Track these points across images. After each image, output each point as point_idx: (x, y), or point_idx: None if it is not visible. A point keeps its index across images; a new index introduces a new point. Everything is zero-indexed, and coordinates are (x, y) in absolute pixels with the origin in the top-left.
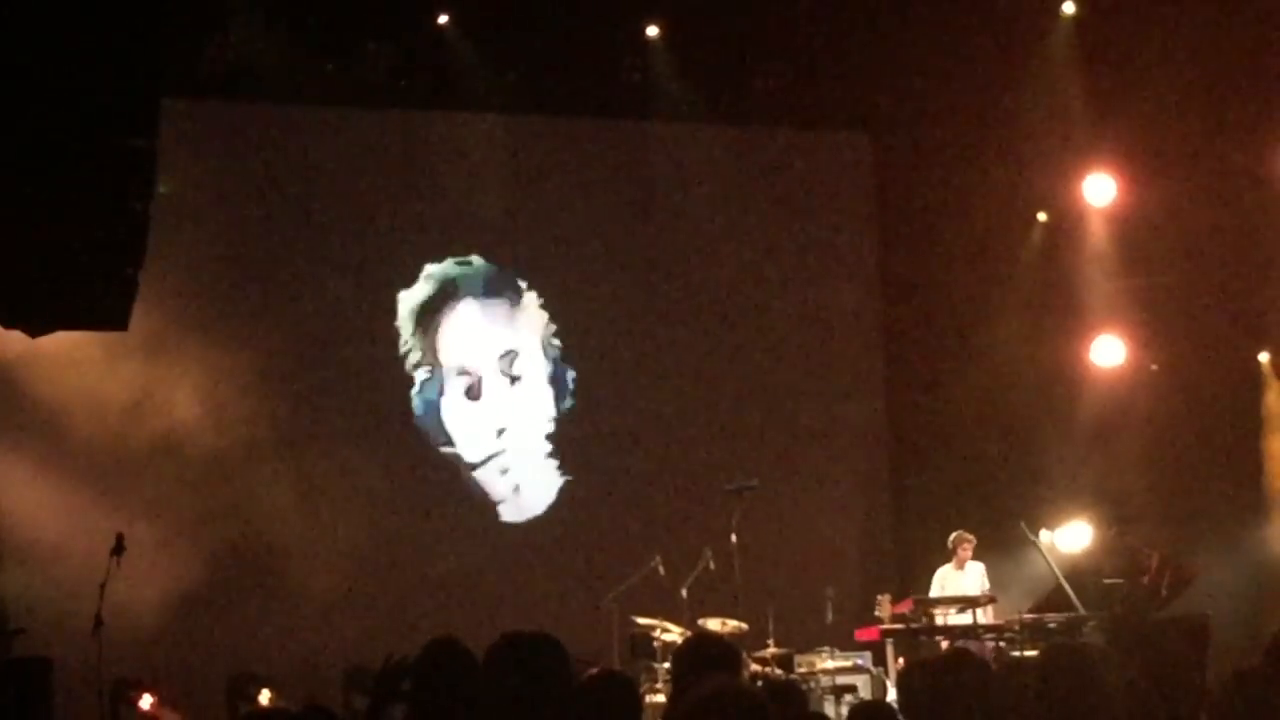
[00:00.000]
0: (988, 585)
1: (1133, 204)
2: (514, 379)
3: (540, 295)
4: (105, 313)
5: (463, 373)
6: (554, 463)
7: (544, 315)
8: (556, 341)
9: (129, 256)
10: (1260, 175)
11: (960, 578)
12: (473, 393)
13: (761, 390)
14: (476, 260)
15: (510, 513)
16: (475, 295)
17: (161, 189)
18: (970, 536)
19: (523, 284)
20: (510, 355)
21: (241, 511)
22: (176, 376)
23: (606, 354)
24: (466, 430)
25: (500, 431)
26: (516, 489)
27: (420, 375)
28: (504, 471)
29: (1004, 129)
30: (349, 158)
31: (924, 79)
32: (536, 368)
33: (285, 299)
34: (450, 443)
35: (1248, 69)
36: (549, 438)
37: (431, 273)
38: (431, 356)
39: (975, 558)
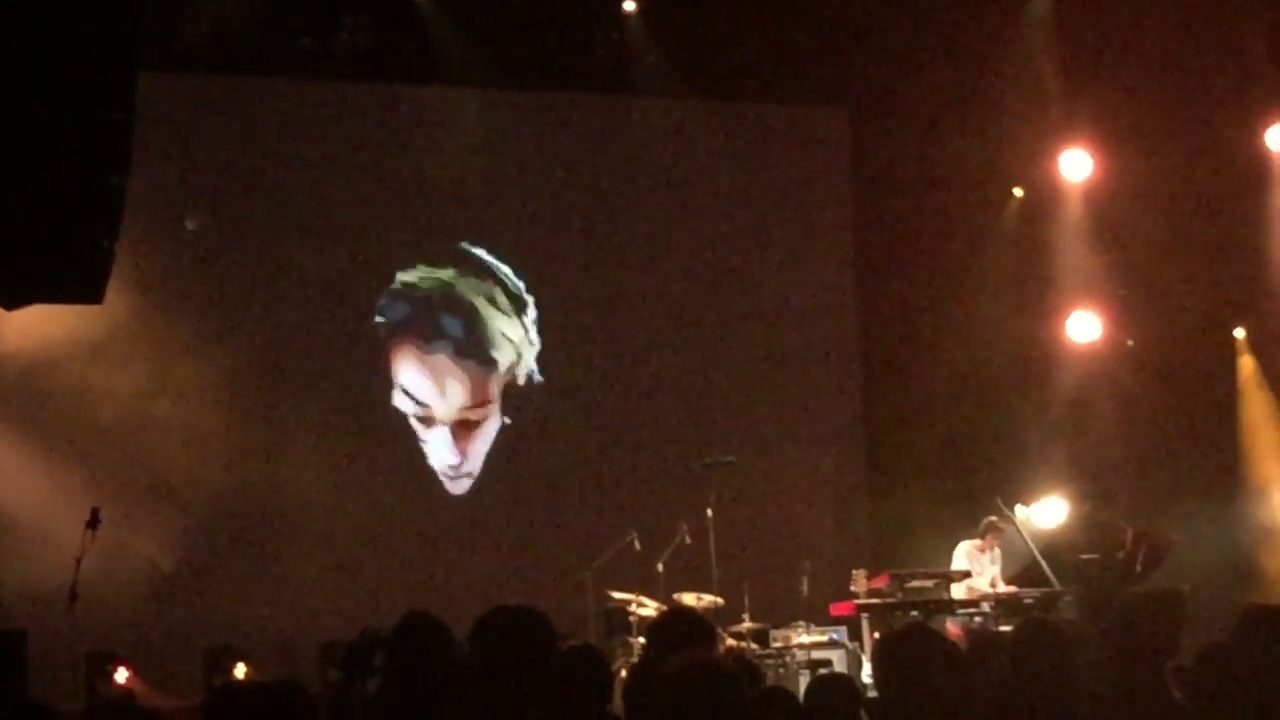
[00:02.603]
0: (1000, 568)
1: (1109, 179)
2: (472, 424)
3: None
4: (80, 286)
5: (415, 402)
6: (528, 437)
7: (521, 354)
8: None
9: (105, 230)
10: (1236, 150)
11: (984, 559)
12: (425, 424)
13: (737, 365)
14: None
15: (480, 488)
16: (449, 351)
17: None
18: (1003, 526)
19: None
20: (472, 408)
21: (217, 485)
22: (152, 351)
23: (582, 328)
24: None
25: (456, 468)
26: (484, 465)
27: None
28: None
29: (980, 104)
30: (325, 131)
31: (901, 54)
32: (496, 411)
33: (261, 273)
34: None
35: (1223, 44)
36: (522, 412)
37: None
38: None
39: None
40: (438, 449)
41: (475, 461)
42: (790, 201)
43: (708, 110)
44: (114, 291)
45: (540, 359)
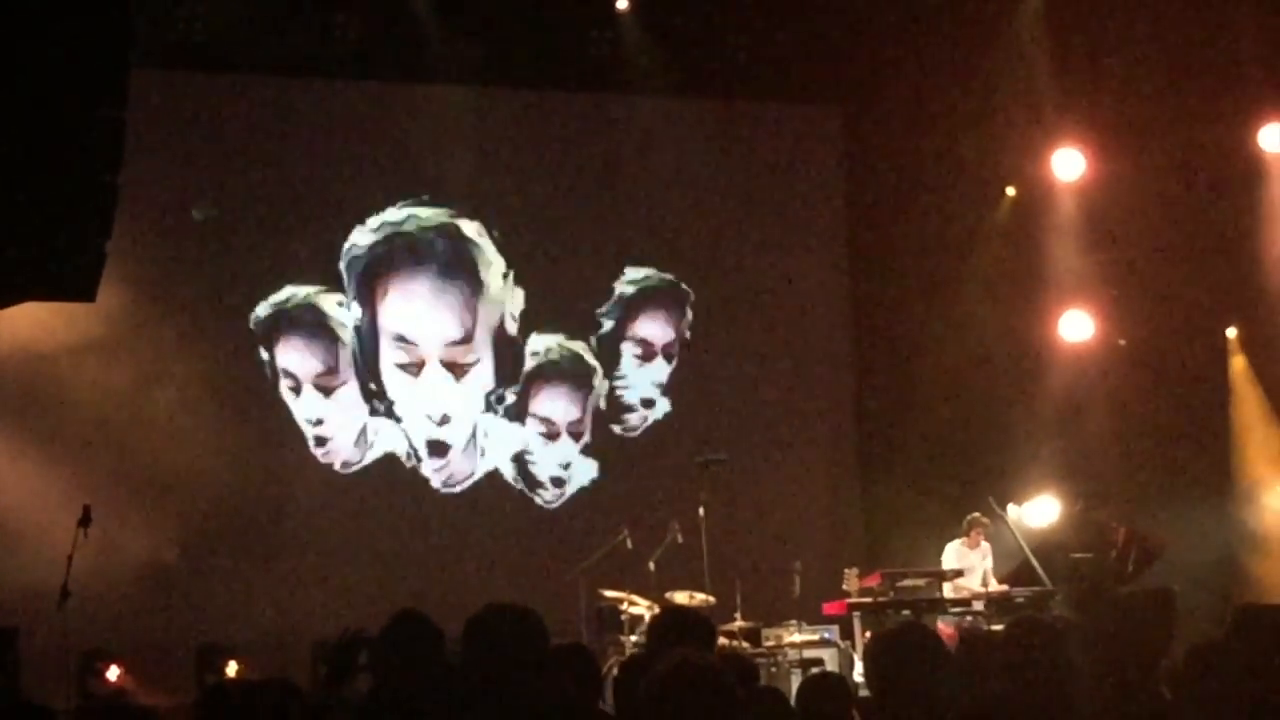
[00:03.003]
0: (991, 564)
1: (1101, 179)
2: (460, 367)
3: (507, 265)
4: (73, 284)
5: (401, 342)
6: (519, 437)
7: (510, 290)
8: (515, 318)
9: (97, 227)
10: (1228, 150)
11: (974, 556)
12: (411, 370)
13: (730, 363)
14: (436, 215)
15: (473, 486)
16: (432, 271)
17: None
18: (987, 521)
19: (485, 249)
20: (460, 343)
21: (210, 483)
22: (145, 348)
23: (574, 325)
24: (408, 405)
25: (443, 419)
26: (475, 466)
27: (355, 335)
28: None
29: (973, 103)
30: (317, 129)
31: (894, 53)
32: (486, 353)
33: (251, 270)
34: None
35: (1215, 44)
36: (511, 411)
37: (387, 223)
38: (370, 322)
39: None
40: (425, 397)
41: (460, 428)
42: (783, 200)
43: (701, 109)
44: (106, 289)
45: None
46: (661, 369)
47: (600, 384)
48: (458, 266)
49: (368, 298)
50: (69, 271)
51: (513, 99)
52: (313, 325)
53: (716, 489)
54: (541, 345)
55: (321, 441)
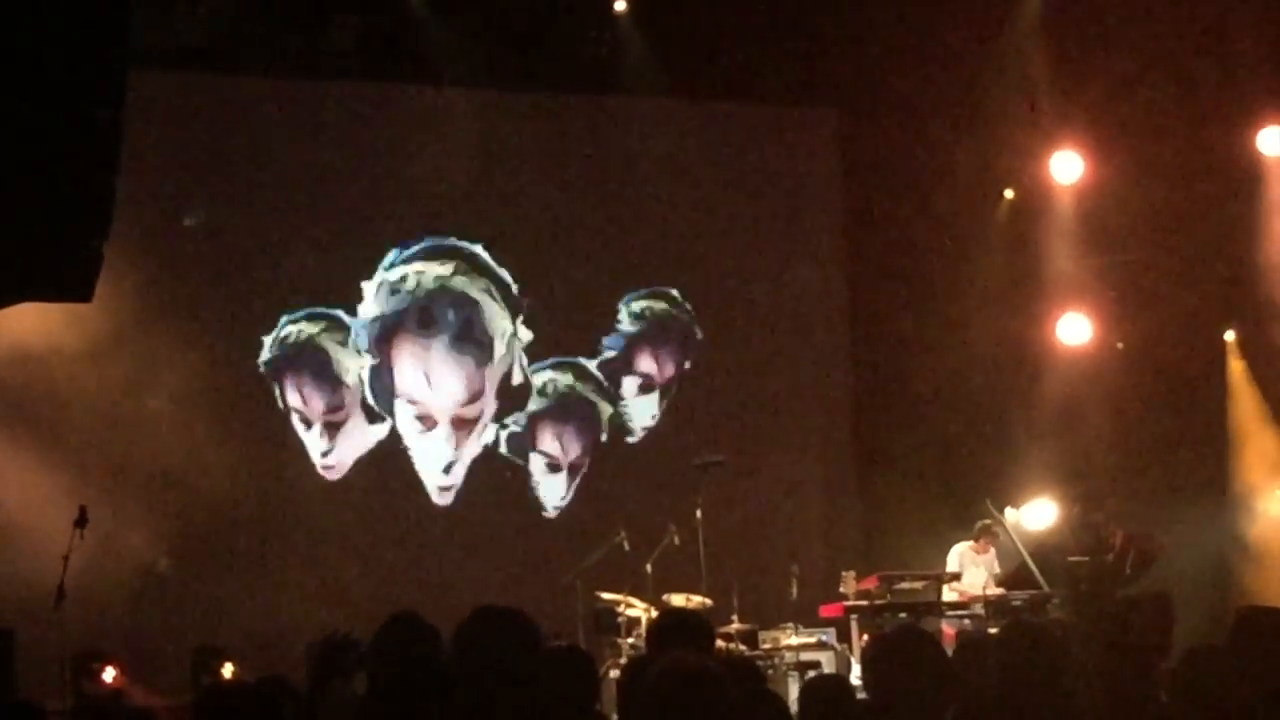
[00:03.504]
0: (997, 571)
1: (1099, 181)
2: (467, 423)
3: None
4: (69, 285)
5: (413, 403)
6: (517, 440)
7: (516, 342)
8: (523, 369)
9: (94, 228)
10: (1226, 153)
11: (981, 560)
12: (424, 423)
13: (728, 366)
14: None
15: (470, 488)
16: (444, 342)
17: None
18: (998, 531)
19: (493, 310)
20: (468, 403)
21: (206, 485)
22: (142, 350)
23: (571, 327)
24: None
25: (448, 467)
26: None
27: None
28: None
29: (971, 106)
30: (315, 131)
31: (891, 55)
32: (491, 406)
33: (250, 272)
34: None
35: (1214, 46)
36: (511, 415)
37: (395, 284)
38: (387, 381)
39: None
40: (434, 450)
41: (463, 468)
42: (780, 202)
43: (698, 111)
44: (103, 290)
45: (530, 357)
46: (656, 401)
47: (603, 414)
48: (467, 338)
49: (382, 352)
50: (66, 273)
51: (510, 101)
52: (317, 367)
53: (714, 491)
54: (542, 380)
55: (329, 466)
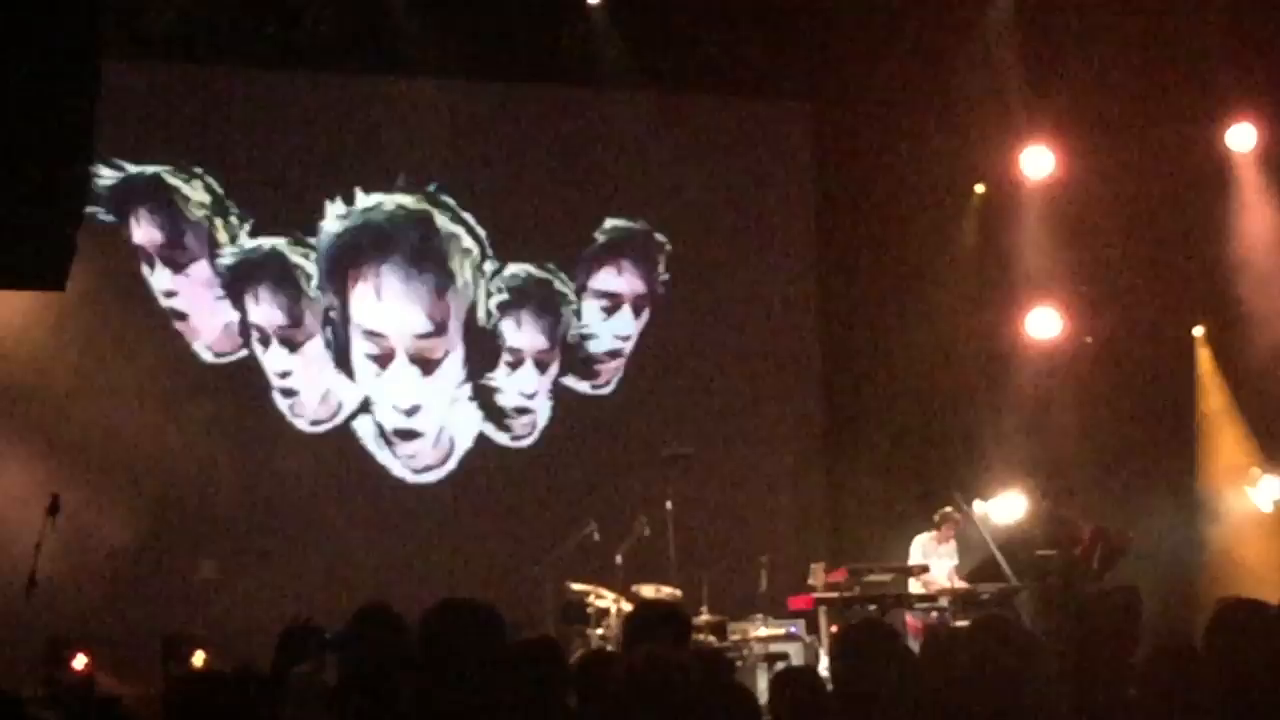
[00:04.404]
0: (957, 561)
1: (1070, 177)
2: (429, 362)
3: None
4: (42, 273)
5: (370, 335)
6: (487, 428)
7: (479, 276)
8: (494, 309)
9: (67, 217)
10: (1196, 149)
11: (942, 550)
12: (380, 362)
13: (698, 357)
14: (406, 202)
15: (437, 475)
16: (401, 262)
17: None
18: (959, 517)
19: (458, 236)
20: (429, 336)
21: (179, 472)
22: (116, 337)
23: (544, 319)
24: (376, 397)
25: (412, 409)
26: (447, 455)
27: (328, 324)
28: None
29: (942, 101)
30: (288, 121)
31: (865, 50)
32: (456, 350)
33: (224, 261)
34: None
35: (1185, 42)
36: (480, 403)
37: (356, 210)
38: (341, 311)
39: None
40: (394, 389)
41: (433, 415)
42: (752, 196)
43: (672, 104)
44: (75, 278)
45: (500, 344)
46: (628, 321)
47: (569, 316)
48: (426, 257)
49: (339, 287)
50: (38, 260)
51: (483, 92)
52: (278, 276)
53: (683, 483)
54: (510, 272)
55: (288, 394)
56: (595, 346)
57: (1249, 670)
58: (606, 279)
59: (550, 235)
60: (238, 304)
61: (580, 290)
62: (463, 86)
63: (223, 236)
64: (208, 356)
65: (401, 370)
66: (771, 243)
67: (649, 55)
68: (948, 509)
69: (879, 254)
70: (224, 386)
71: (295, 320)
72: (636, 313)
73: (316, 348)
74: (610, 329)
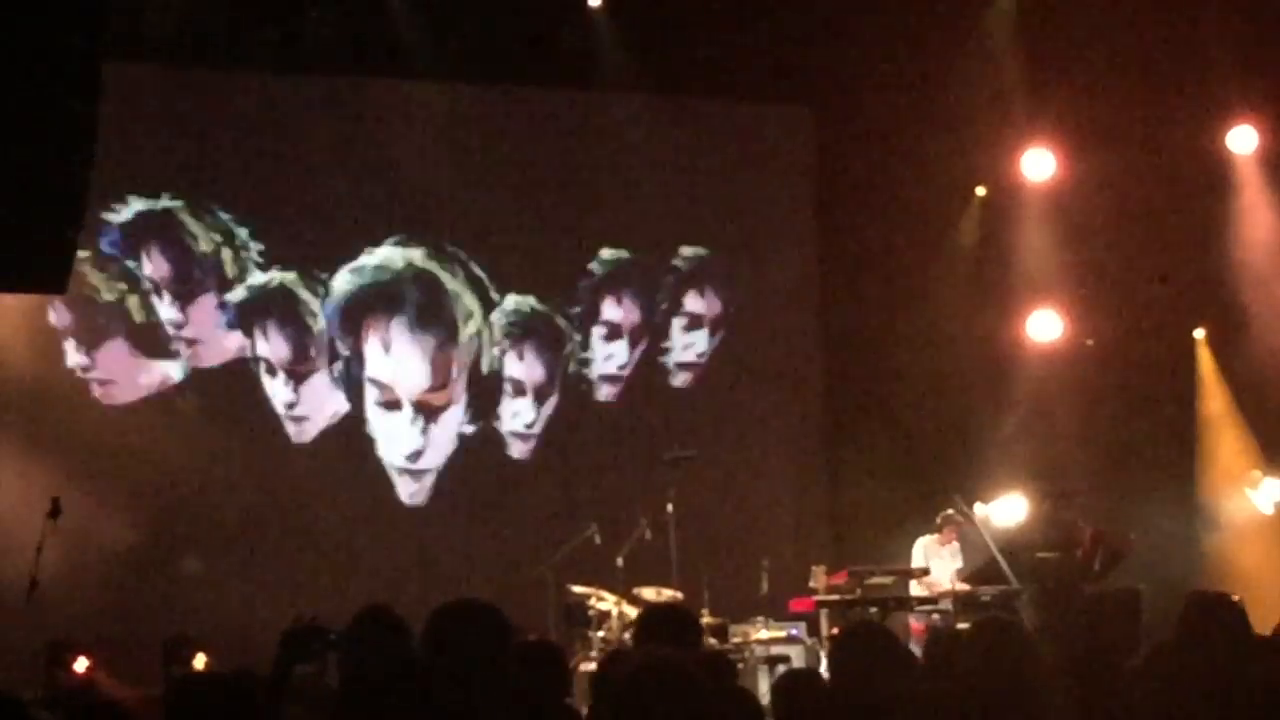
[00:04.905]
0: (960, 564)
1: (1071, 179)
2: (433, 410)
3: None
4: (42, 276)
5: (378, 386)
6: (490, 431)
7: (484, 328)
8: (496, 354)
9: (67, 220)
10: (1197, 151)
11: (944, 552)
12: (390, 408)
13: (701, 360)
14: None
15: (442, 481)
16: (407, 320)
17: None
18: (960, 519)
19: (461, 296)
20: (434, 390)
21: (179, 476)
22: (113, 339)
23: (544, 322)
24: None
25: (415, 454)
26: (449, 455)
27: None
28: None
29: (943, 103)
30: (289, 124)
31: (865, 53)
32: (461, 396)
33: (223, 264)
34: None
35: (1185, 44)
36: (479, 409)
37: (364, 268)
38: (354, 360)
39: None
40: (399, 434)
41: (435, 455)
42: (754, 199)
43: (672, 107)
44: (75, 281)
45: (501, 352)
46: (624, 350)
47: (572, 348)
48: (430, 315)
49: (351, 338)
50: (38, 264)
51: (484, 95)
52: (285, 311)
53: (685, 485)
54: (511, 306)
55: (297, 421)
56: (594, 372)
57: (1222, 662)
58: (607, 310)
59: (551, 265)
60: (246, 334)
61: (581, 320)
62: (464, 90)
63: (231, 270)
64: (210, 370)
65: (407, 415)
66: (773, 245)
67: (650, 59)
68: (949, 511)
69: (880, 257)
70: (227, 389)
71: (302, 355)
72: (634, 345)
73: (323, 381)
74: (609, 357)
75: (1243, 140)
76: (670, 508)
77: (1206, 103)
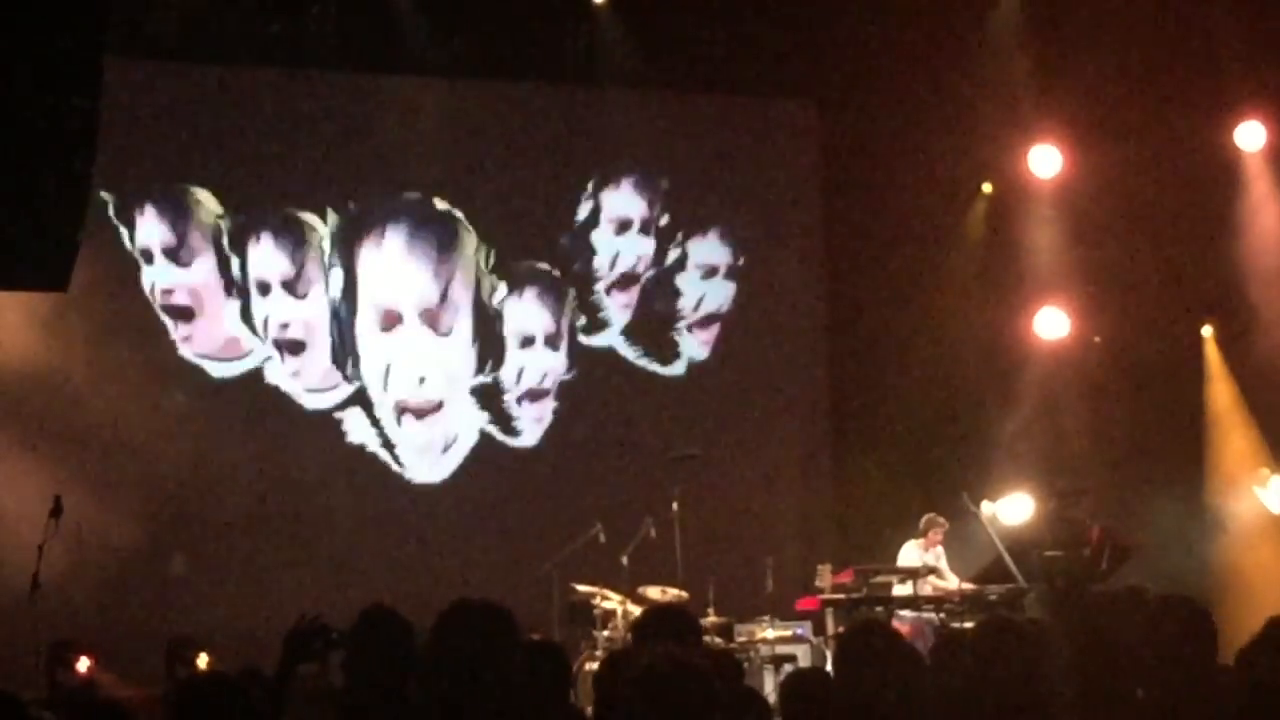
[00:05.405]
0: (944, 567)
1: (1077, 175)
2: (438, 331)
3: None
4: (45, 274)
5: (379, 308)
6: (494, 427)
7: (487, 264)
8: (497, 300)
9: (69, 217)
10: (1205, 147)
11: (927, 557)
12: (387, 330)
13: (704, 358)
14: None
15: (446, 480)
16: (402, 229)
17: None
18: (944, 521)
19: (459, 218)
20: (436, 305)
21: (182, 474)
22: (116, 337)
23: (548, 319)
24: (382, 368)
25: (421, 380)
26: (446, 448)
27: (338, 309)
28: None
29: (950, 99)
30: (292, 120)
31: (871, 48)
32: (464, 321)
33: (223, 261)
34: (359, 377)
35: (1192, 41)
36: (486, 402)
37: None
38: (350, 291)
39: (915, 529)
40: (400, 359)
41: (438, 389)
42: (758, 195)
43: (677, 102)
44: (77, 278)
45: (504, 349)
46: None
47: (571, 300)
48: (427, 228)
49: (346, 260)
50: (40, 261)
51: (488, 91)
52: (279, 227)
53: (690, 484)
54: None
55: (292, 348)
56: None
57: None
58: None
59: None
60: (240, 258)
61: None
62: (468, 85)
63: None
64: (212, 369)
65: (411, 334)
66: (778, 241)
67: (654, 54)
68: (932, 514)
69: (886, 253)
70: (229, 389)
71: (299, 269)
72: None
73: (318, 299)
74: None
75: (1251, 136)
76: (675, 506)
77: (1214, 98)
